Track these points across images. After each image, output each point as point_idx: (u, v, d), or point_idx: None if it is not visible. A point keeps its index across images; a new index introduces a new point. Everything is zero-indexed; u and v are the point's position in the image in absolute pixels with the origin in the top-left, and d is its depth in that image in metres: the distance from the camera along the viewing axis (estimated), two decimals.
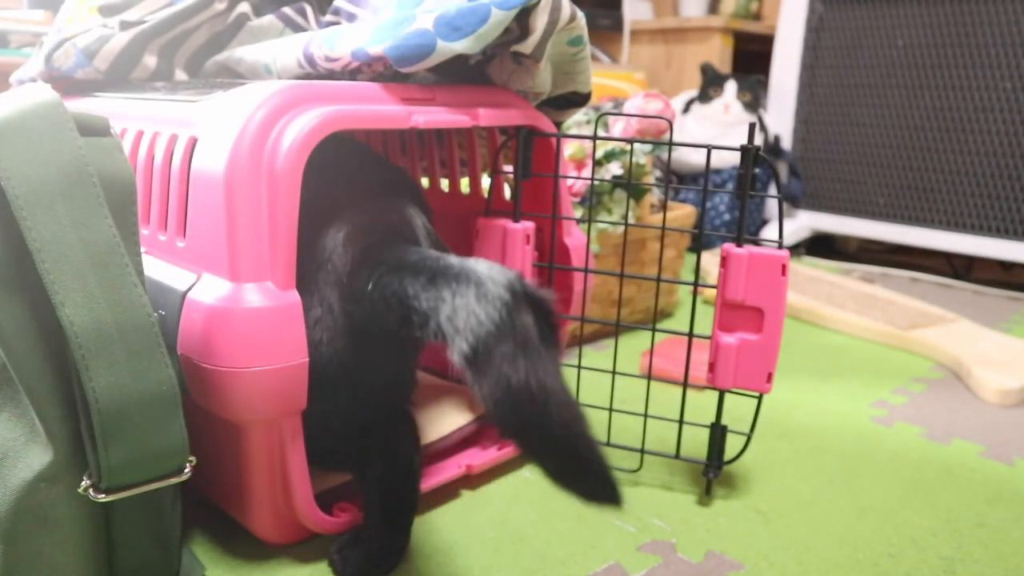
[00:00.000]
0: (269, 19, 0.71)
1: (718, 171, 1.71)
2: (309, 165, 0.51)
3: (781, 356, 1.06)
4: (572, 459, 0.45)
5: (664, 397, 0.90)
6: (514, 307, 0.45)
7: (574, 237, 0.72)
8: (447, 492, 0.67)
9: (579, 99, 0.71)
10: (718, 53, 1.98)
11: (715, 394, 0.81)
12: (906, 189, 1.54)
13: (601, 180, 1.01)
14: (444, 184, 0.80)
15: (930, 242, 1.52)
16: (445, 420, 0.72)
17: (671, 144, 0.64)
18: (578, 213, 1.00)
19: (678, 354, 0.95)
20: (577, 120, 1.13)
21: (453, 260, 0.49)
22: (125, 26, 0.69)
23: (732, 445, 0.74)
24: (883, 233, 1.58)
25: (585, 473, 0.45)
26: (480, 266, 0.47)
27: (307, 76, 0.63)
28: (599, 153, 1.04)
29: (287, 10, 0.72)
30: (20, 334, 0.42)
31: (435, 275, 0.48)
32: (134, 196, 0.45)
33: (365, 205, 0.57)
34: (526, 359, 0.43)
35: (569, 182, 1.00)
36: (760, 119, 1.70)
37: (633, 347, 1.05)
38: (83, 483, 0.43)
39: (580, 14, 0.62)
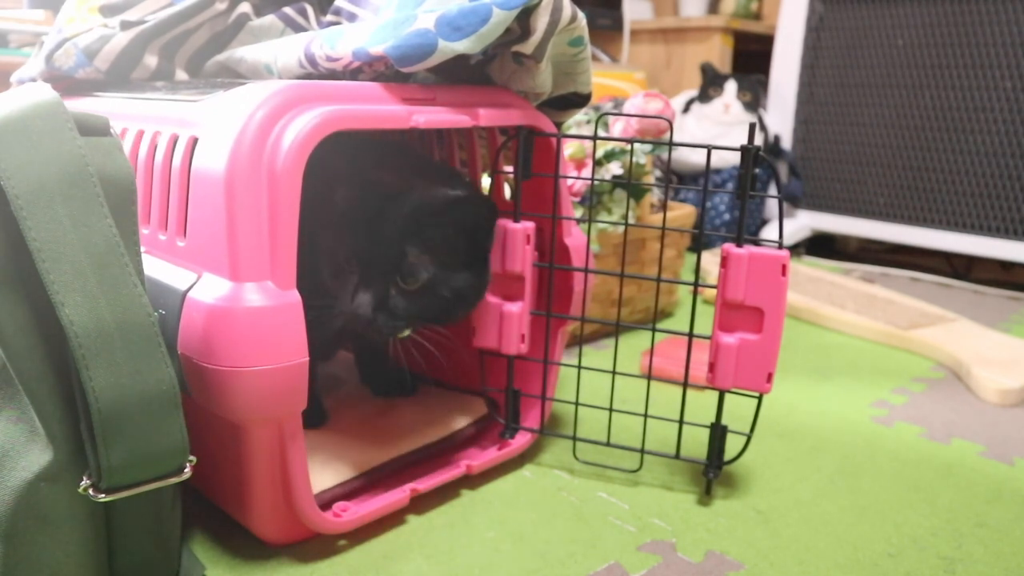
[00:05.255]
0: (270, 19, 0.71)
1: (718, 171, 1.71)
2: None
3: (781, 356, 1.06)
4: None
5: (664, 397, 0.90)
6: None
7: (574, 237, 0.71)
8: (447, 492, 0.67)
9: (579, 100, 0.71)
10: (718, 53, 1.98)
11: (715, 394, 0.81)
12: (906, 189, 1.54)
13: (601, 180, 1.01)
14: None
15: (930, 242, 1.52)
16: (444, 422, 0.72)
17: (671, 144, 0.64)
18: (578, 213, 1.00)
19: (678, 354, 0.95)
20: (577, 120, 1.13)
21: None
22: (126, 26, 0.69)
23: (732, 445, 0.74)
24: (883, 233, 1.58)
25: None
26: None
27: (308, 76, 0.63)
28: (599, 153, 1.04)
29: (288, 10, 0.72)
30: (20, 334, 0.42)
31: None
32: (134, 196, 0.45)
33: None
34: None
35: (569, 182, 1.00)
36: (760, 119, 1.70)
37: (633, 347, 1.05)
38: (83, 483, 0.43)
39: (581, 15, 0.62)
